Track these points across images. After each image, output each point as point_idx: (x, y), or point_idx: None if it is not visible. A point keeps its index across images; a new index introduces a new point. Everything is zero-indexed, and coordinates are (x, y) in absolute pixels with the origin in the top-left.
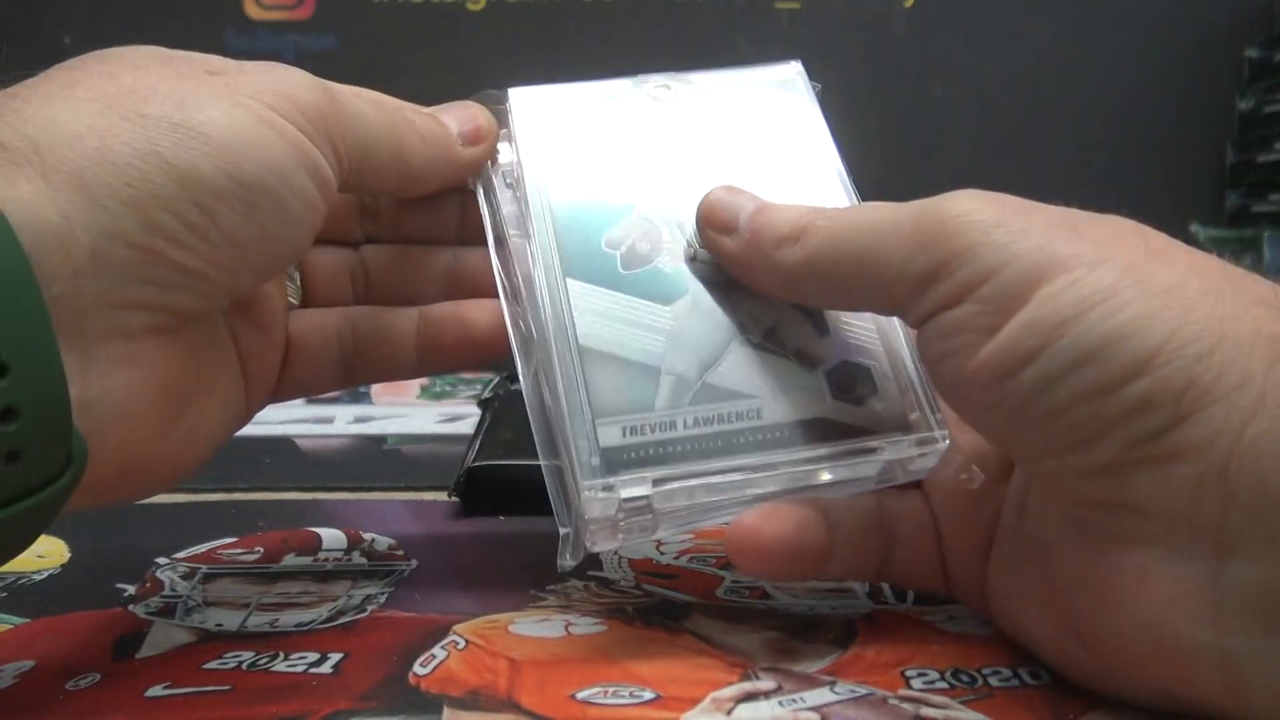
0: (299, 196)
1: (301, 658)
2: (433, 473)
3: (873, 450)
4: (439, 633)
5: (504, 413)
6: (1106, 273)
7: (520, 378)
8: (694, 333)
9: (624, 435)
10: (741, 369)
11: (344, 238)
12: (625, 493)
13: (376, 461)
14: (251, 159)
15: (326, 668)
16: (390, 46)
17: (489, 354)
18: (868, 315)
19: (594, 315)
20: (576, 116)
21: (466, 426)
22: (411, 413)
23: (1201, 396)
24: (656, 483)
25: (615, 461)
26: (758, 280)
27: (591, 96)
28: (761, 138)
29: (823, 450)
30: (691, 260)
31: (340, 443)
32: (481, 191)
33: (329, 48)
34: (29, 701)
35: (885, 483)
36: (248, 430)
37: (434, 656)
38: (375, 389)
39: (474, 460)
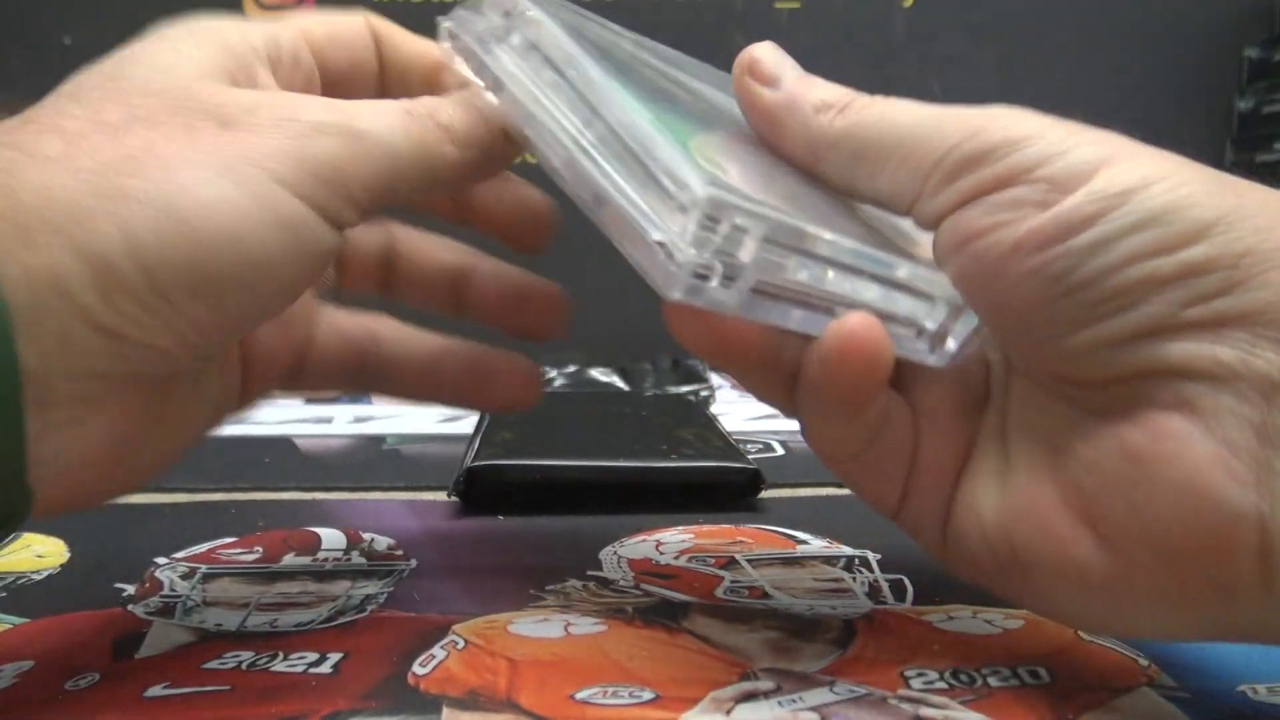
0: (276, 281)
1: (301, 658)
2: (432, 473)
3: (929, 298)
4: (438, 633)
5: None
6: (1166, 162)
7: (590, 177)
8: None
9: (716, 186)
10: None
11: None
12: (729, 224)
13: (376, 461)
14: (231, 250)
15: (326, 668)
16: None
17: (508, 402)
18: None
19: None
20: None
21: (466, 426)
22: (411, 412)
23: (1260, 262)
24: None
25: (717, 199)
26: (782, 140)
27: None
28: None
29: (897, 267)
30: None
31: (340, 443)
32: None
33: None
34: (28, 701)
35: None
36: (247, 430)
37: (433, 656)
38: None
39: (473, 460)
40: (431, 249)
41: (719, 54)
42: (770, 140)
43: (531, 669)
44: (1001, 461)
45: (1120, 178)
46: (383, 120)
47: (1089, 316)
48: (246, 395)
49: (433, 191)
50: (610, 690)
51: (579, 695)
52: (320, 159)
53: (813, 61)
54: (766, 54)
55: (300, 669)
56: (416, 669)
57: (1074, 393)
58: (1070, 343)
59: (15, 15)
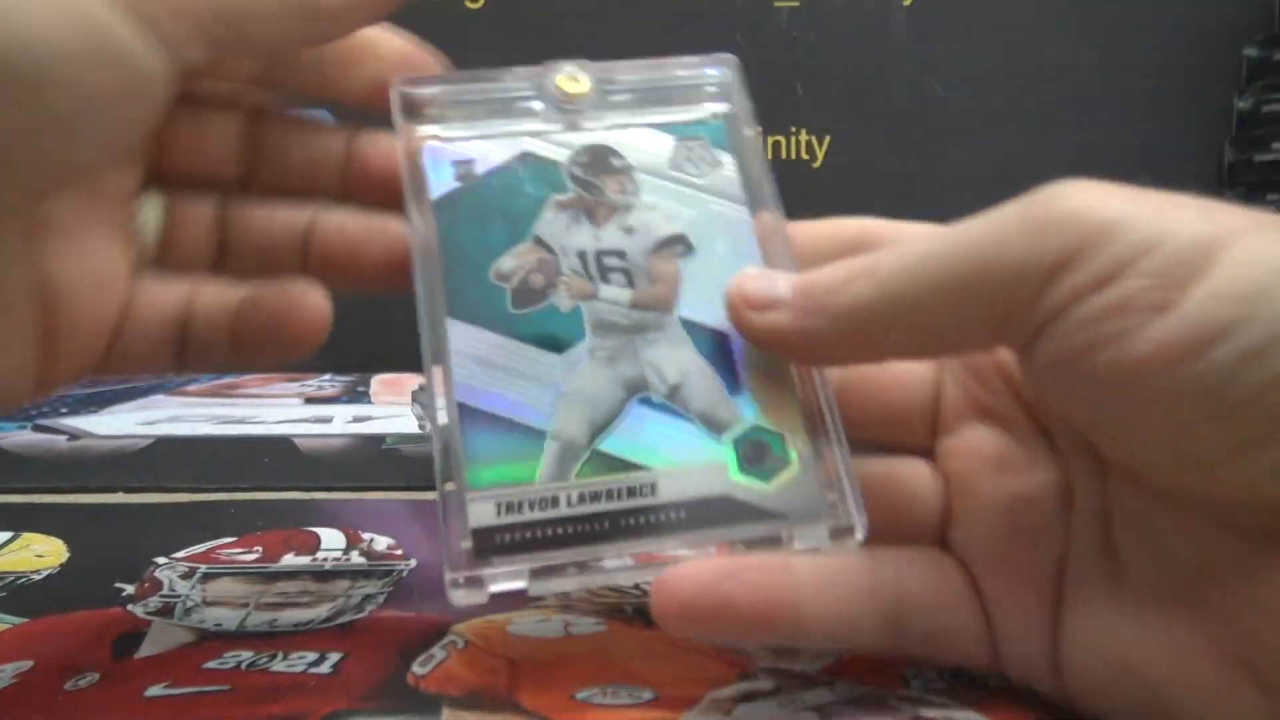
0: (79, 89)
1: (300, 657)
2: (432, 472)
3: (777, 541)
4: (438, 632)
5: None
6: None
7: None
8: (587, 388)
9: (499, 514)
10: (638, 434)
11: (217, 175)
12: (495, 587)
13: (375, 461)
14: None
15: (325, 667)
16: None
17: (305, 346)
18: (786, 377)
19: (476, 364)
20: (467, 121)
21: None
22: (411, 412)
23: None
24: (534, 574)
25: (486, 546)
26: (814, 347)
27: (489, 94)
28: (674, 158)
29: (721, 534)
30: (591, 297)
31: (339, 442)
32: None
33: None
34: (28, 701)
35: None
36: (247, 430)
37: (433, 656)
38: (374, 388)
39: None
40: (266, 213)
41: (719, 53)
42: (802, 357)
43: (531, 669)
44: (1112, 585)
45: (1254, 267)
46: None
47: (1254, 435)
48: (47, 377)
49: (291, 40)
50: (610, 690)
51: (579, 695)
52: None
53: (812, 61)
54: (754, 277)
55: (300, 669)
56: (416, 669)
57: (1227, 517)
58: (1232, 469)
59: None
